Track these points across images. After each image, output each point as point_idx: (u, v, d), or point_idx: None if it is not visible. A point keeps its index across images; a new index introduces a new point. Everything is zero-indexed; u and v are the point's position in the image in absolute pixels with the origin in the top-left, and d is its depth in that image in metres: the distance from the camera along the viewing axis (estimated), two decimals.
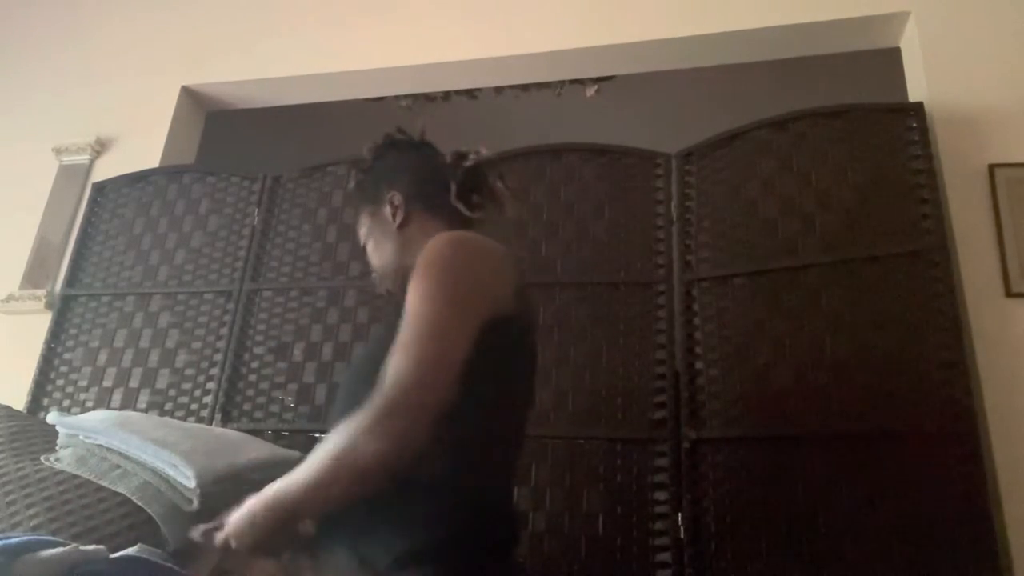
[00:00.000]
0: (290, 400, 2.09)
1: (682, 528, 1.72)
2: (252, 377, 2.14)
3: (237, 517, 0.99)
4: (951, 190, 1.90)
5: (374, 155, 1.31)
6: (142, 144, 2.65)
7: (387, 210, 1.23)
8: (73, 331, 2.35)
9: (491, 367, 0.98)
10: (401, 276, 1.15)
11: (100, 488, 1.37)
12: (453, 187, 1.23)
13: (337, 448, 0.91)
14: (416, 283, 1.00)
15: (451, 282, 0.99)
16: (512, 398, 1.09)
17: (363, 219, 1.28)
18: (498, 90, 2.81)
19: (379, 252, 1.24)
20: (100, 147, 2.69)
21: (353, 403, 0.98)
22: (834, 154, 1.95)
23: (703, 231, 2.01)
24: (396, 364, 0.92)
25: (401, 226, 1.21)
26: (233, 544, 0.98)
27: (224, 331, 2.21)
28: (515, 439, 1.13)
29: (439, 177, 1.25)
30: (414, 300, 0.98)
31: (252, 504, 0.98)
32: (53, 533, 1.24)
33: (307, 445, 1.21)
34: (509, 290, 1.06)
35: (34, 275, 2.51)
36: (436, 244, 1.04)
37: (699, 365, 1.87)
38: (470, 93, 2.82)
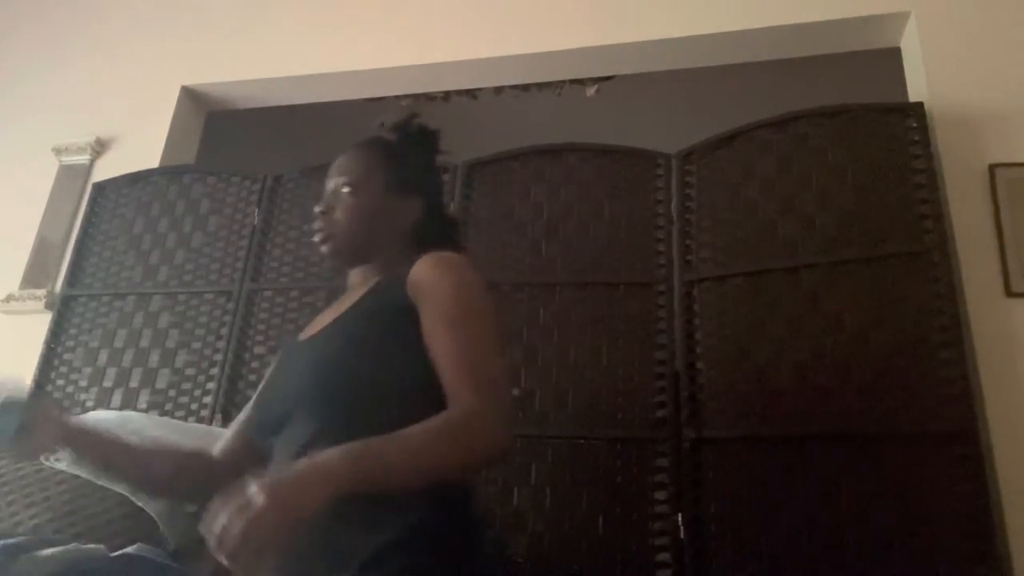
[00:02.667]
0: None
1: (682, 528, 1.71)
2: (252, 377, 2.14)
3: (280, 483, 0.79)
4: (951, 190, 1.90)
5: (413, 133, 1.25)
6: (142, 144, 2.65)
7: (400, 205, 1.20)
8: (73, 331, 2.35)
9: None
10: (358, 260, 1.19)
11: (100, 488, 1.37)
12: (454, 238, 1.28)
13: (448, 430, 0.90)
14: (457, 299, 1.03)
15: (487, 301, 1.06)
16: None
17: (365, 178, 1.19)
18: (498, 90, 2.81)
19: (368, 224, 1.18)
20: (100, 147, 2.69)
21: (319, 389, 1.02)
22: (834, 154, 1.95)
23: (703, 231, 2.00)
24: (474, 370, 0.96)
25: (405, 232, 1.21)
26: (272, 517, 0.76)
27: (224, 331, 2.21)
28: None
29: (440, 229, 1.26)
30: (459, 313, 1.02)
31: (307, 471, 0.82)
32: (53, 533, 1.24)
33: None
34: None
35: (34, 275, 2.51)
36: (456, 263, 1.08)
37: (699, 365, 1.87)
38: (470, 93, 2.82)
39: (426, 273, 1.06)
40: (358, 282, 1.20)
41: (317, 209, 1.19)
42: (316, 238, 1.18)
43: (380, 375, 1.01)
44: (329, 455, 0.83)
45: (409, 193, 1.21)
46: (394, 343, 1.03)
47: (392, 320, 1.04)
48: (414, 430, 0.89)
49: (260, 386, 1.25)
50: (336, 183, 1.20)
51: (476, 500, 1.08)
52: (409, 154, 1.24)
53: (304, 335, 1.21)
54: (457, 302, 1.02)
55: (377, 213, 1.18)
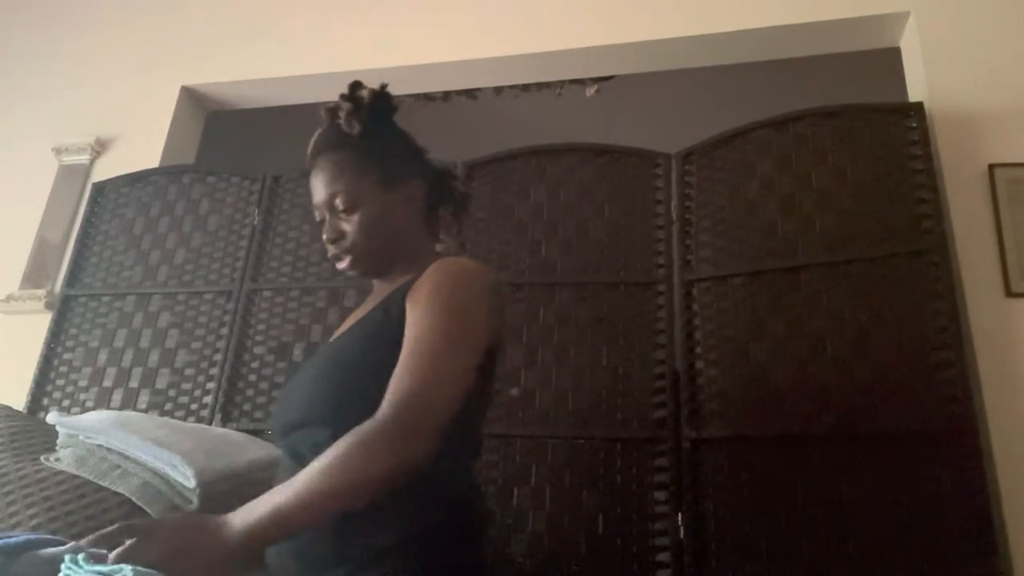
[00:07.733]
0: None
1: (682, 528, 1.72)
2: (252, 377, 2.14)
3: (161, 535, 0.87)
4: (951, 190, 1.90)
5: (367, 107, 1.17)
6: (142, 144, 2.65)
7: (403, 194, 1.15)
8: (73, 331, 2.35)
9: (477, 388, 1.02)
10: (385, 269, 1.15)
11: (100, 488, 1.37)
12: (459, 202, 1.26)
13: (344, 462, 0.89)
14: (430, 306, 1.00)
15: (466, 314, 1.01)
16: (484, 409, 1.15)
17: (356, 188, 1.12)
18: (498, 90, 2.81)
19: (383, 233, 1.12)
20: (100, 147, 2.69)
21: (325, 396, 1.02)
22: (834, 154, 1.95)
23: (703, 231, 2.01)
24: (403, 383, 0.94)
25: (419, 218, 1.19)
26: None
27: (224, 331, 2.21)
28: (478, 440, 1.16)
29: (446, 187, 1.24)
30: (426, 323, 0.99)
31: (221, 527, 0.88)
32: (53, 533, 1.24)
33: None
34: (500, 321, 1.11)
35: (34, 275, 2.51)
36: (451, 270, 1.05)
37: (699, 365, 1.87)
38: (470, 93, 2.82)
39: (424, 281, 1.04)
40: (385, 281, 1.17)
41: (325, 237, 1.13)
42: (339, 266, 1.13)
43: (382, 386, 0.99)
44: (225, 518, 0.89)
45: (403, 177, 1.16)
46: (393, 355, 1.00)
47: (394, 331, 1.02)
48: (312, 464, 0.90)
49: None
50: (328, 204, 1.13)
51: (481, 506, 1.09)
52: (380, 134, 1.17)
53: (336, 334, 1.21)
54: (434, 313, 0.99)
55: (385, 218, 1.13)
